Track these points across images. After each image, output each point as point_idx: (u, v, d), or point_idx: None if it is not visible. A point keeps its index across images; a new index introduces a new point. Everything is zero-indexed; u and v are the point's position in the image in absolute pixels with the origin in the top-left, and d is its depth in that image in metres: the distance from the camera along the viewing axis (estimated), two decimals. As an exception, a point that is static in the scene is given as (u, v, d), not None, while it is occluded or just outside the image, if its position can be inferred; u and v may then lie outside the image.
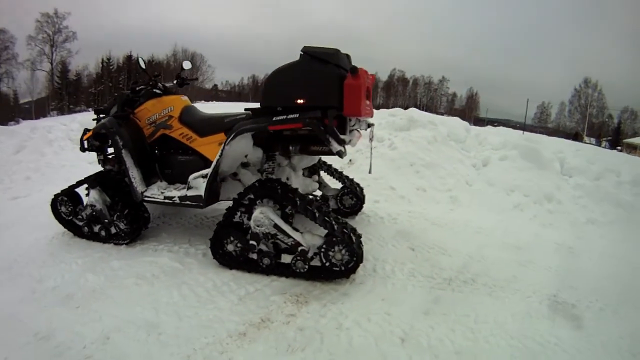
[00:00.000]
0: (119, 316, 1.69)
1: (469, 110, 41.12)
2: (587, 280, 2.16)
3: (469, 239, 2.66)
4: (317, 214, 1.91)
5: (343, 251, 1.90)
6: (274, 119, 1.90)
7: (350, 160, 4.19)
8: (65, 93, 29.89)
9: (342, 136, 1.91)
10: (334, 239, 1.89)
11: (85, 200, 2.35)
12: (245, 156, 2.22)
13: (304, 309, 1.75)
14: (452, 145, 4.02)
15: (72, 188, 2.37)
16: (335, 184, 3.07)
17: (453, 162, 3.75)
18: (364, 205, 3.03)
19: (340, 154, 1.91)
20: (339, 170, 3.09)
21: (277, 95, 1.91)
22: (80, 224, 2.35)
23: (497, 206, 3.19)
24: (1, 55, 26.83)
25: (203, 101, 20.52)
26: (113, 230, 2.31)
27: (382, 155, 3.97)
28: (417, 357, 1.45)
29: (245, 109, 2.08)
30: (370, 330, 1.60)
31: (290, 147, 2.13)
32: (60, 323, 1.64)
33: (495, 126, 5.76)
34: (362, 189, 3.00)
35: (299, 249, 1.96)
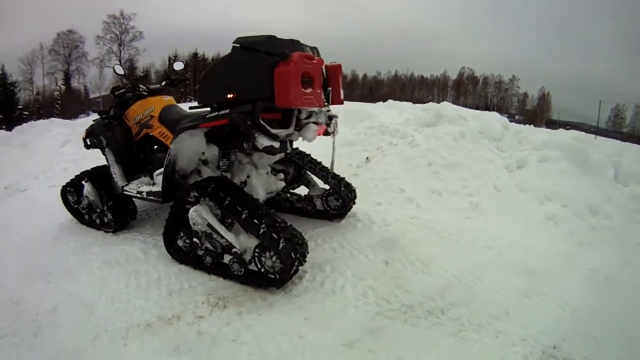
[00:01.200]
0: (72, 293, 2.06)
1: (540, 112, 40.16)
2: (615, 330, 1.61)
3: (470, 256, 2.28)
4: (243, 216, 1.90)
5: (274, 258, 1.89)
6: (207, 116, 1.97)
7: (367, 159, 3.99)
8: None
9: (278, 131, 1.88)
10: (264, 244, 1.87)
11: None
12: (203, 153, 2.34)
13: (216, 313, 1.81)
14: (483, 144, 3.53)
15: (77, 180, 2.90)
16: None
17: (481, 163, 3.26)
18: (352, 207, 2.89)
19: (270, 151, 1.86)
20: (325, 166, 2.96)
21: (211, 91, 1.97)
22: (83, 212, 2.86)
23: (526, 217, 2.64)
24: (72, 54, 30.97)
25: None
26: (105, 219, 2.74)
27: (400, 153, 3.68)
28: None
29: (190, 108, 2.19)
30: (265, 350, 1.57)
31: (244, 144, 2.16)
32: (31, 293, 2.09)
33: (567, 129, 4.80)
34: (351, 190, 2.83)
35: (232, 250, 1.99)
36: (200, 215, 2.06)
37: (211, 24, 49.76)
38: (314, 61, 1.90)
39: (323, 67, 2.20)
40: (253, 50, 1.81)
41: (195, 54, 37.64)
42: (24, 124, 6.45)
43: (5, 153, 4.96)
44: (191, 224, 2.12)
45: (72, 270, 2.30)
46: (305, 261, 2.00)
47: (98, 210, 2.78)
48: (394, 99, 7.68)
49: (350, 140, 4.48)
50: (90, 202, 2.80)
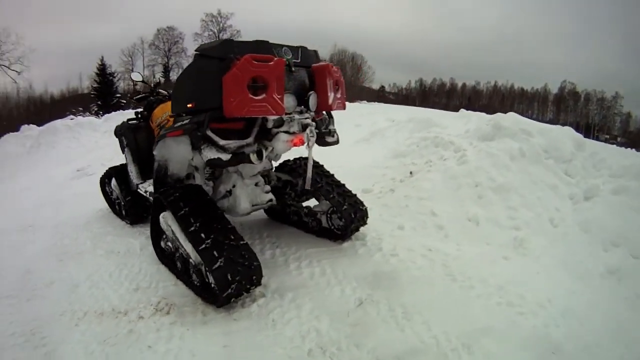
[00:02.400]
0: (70, 273, 2.49)
1: (645, 136, 36.60)
2: None
3: (477, 313, 1.89)
4: (192, 228, 1.98)
5: (210, 277, 1.92)
6: (174, 125, 2.11)
7: (411, 173, 3.67)
8: None
9: (228, 142, 1.90)
10: (204, 260, 1.94)
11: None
12: (192, 159, 2.52)
13: (156, 317, 1.96)
14: (547, 165, 2.97)
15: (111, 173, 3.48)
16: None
17: (539, 189, 2.70)
18: (360, 228, 2.73)
19: (216, 164, 1.89)
20: (335, 180, 2.82)
21: (177, 100, 2.10)
22: (114, 203, 3.41)
23: (581, 266, 2.02)
24: (171, 49, 34.99)
25: (365, 101, 21.92)
26: (123, 212, 3.21)
27: (446, 170, 3.30)
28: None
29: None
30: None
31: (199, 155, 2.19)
32: (42, 267, 2.61)
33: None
34: (358, 209, 2.64)
35: (190, 260, 2.08)
36: (165, 221, 2.22)
37: (309, 25, 52.85)
38: (270, 63, 1.81)
39: (306, 69, 2.15)
40: (207, 57, 1.86)
41: None
42: (113, 112, 8.00)
43: (91, 138, 6.27)
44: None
45: (82, 253, 2.77)
46: (254, 285, 1.98)
47: (122, 203, 3.26)
48: (493, 112, 6.99)
49: (401, 152, 4.23)
50: (116, 195, 3.31)
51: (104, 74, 25.59)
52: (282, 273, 2.32)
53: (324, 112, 2.42)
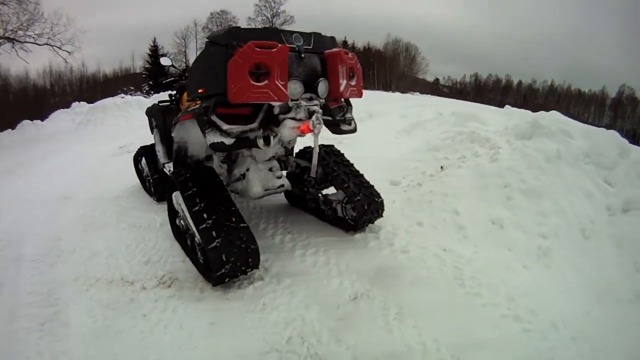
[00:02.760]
0: (92, 243, 2.74)
1: None
2: None
3: (478, 325, 1.83)
4: (195, 208, 2.09)
5: (210, 254, 2.01)
6: (187, 109, 2.23)
7: (441, 168, 3.54)
8: None
9: (231, 127, 1.96)
10: (202, 239, 2.04)
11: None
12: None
13: (157, 289, 2.13)
14: (586, 170, 2.78)
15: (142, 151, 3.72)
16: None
17: (573, 195, 2.52)
18: (375, 220, 2.70)
19: (219, 147, 1.95)
20: (353, 170, 2.81)
21: (191, 86, 2.23)
22: (145, 179, 3.67)
23: (607, 286, 1.79)
24: None
25: (417, 93, 21.14)
26: (151, 189, 3.45)
27: (477, 167, 3.16)
28: None
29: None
30: (152, 335, 1.76)
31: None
32: (70, 236, 2.89)
33: None
34: (372, 201, 2.62)
35: (195, 239, 2.19)
36: (177, 200, 2.34)
37: (365, 12, 51.78)
38: (273, 50, 1.83)
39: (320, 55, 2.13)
40: (215, 44, 1.94)
41: (344, 42, 39.83)
42: (162, 92, 8.48)
43: (138, 117, 6.69)
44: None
45: (107, 225, 3.04)
46: (249, 268, 2.05)
47: (150, 181, 3.49)
48: (548, 111, 6.57)
49: (436, 145, 4.12)
50: (146, 172, 3.55)
51: (155, 55, 26.83)
52: (286, 258, 2.37)
53: (342, 99, 2.41)
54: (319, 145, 3.01)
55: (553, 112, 3.42)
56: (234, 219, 2.08)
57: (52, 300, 2.05)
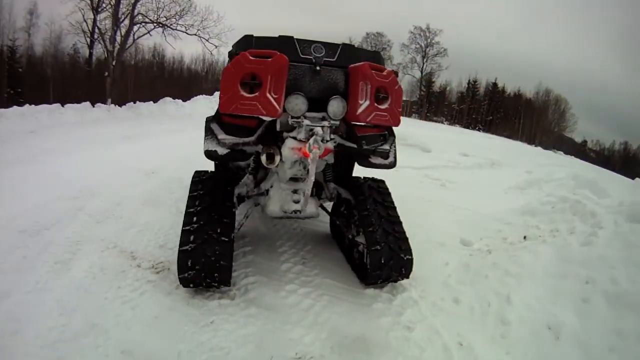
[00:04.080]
0: (137, 216, 3.30)
1: None
2: None
3: None
4: (190, 209, 2.27)
5: (178, 254, 2.15)
6: None
7: (525, 238, 3.17)
8: (426, 102, 39.71)
9: (225, 137, 2.07)
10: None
11: None
12: None
13: (149, 274, 2.43)
14: None
15: None
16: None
17: None
18: (395, 280, 2.48)
19: (211, 155, 2.11)
20: (390, 213, 2.59)
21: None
22: None
23: None
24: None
25: (561, 152, 19.67)
26: None
27: (564, 246, 2.80)
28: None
29: None
30: (116, 315, 2.01)
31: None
32: (128, 205, 3.54)
33: None
34: (394, 256, 2.37)
35: None
36: None
37: (513, 57, 48.36)
38: (268, 60, 1.82)
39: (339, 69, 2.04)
40: (231, 53, 2.10)
41: (494, 84, 39.77)
42: None
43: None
44: None
45: (162, 205, 3.65)
46: (216, 282, 2.15)
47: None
48: None
49: (532, 209, 3.67)
50: None
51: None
52: (273, 288, 2.39)
53: (379, 125, 2.20)
54: (366, 178, 2.88)
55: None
56: (219, 230, 2.16)
57: (74, 249, 2.62)
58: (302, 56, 1.99)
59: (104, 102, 11.60)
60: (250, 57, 1.83)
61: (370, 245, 2.38)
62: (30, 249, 2.57)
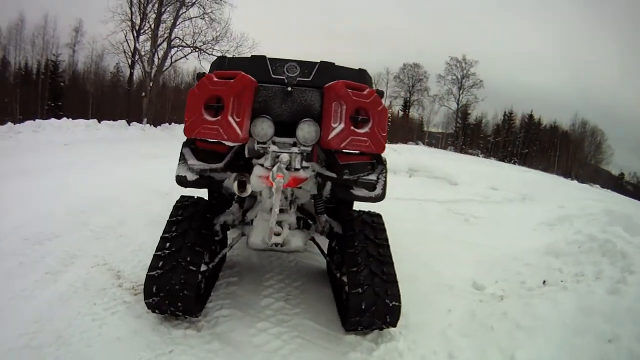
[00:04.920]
0: (138, 236, 3.49)
1: None
2: None
3: None
4: (164, 235, 2.29)
5: (146, 279, 2.21)
6: None
7: (544, 283, 3.07)
8: (461, 134, 39.85)
9: (194, 163, 2.12)
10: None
11: None
12: None
13: (124, 291, 2.60)
14: None
15: None
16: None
17: None
18: (379, 328, 2.34)
19: (180, 181, 2.19)
20: (388, 258, 2.37)
21: None
22: None
23: None
24: (415, 86, 39.73)
25: (598, 186, 20.01)
26: None
27: (587, 294, 2.57)
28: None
29: None
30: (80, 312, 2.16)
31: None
32: (131, 224, 3.78)
33: None
34: (377, 302, 2.20)
35: None
36: None
37: (550, 87, 47.72)
38: (231, 81, 1.79)
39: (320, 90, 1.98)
40: (200, 75, 2.18)
41: (530, 116, 39.70)
42: None
43: None
44: None
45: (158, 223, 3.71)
46: (181, 312, 2.19)
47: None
48: None
49: (557, 249, 3.49)
50: None
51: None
52: (245, 323, 2.39)
53: (367, 153, 2.11)
54: (361, 212, 2.59)
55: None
56: (189, 259, 2.13)
57: (68, 262, 2.84)
58: (274, 76, 1.96)
59: (140, 122, 12.50)
60: (215, 79, 1.81)
61: (352, 288, 2.20)
62: (28, 257, 2.82)
